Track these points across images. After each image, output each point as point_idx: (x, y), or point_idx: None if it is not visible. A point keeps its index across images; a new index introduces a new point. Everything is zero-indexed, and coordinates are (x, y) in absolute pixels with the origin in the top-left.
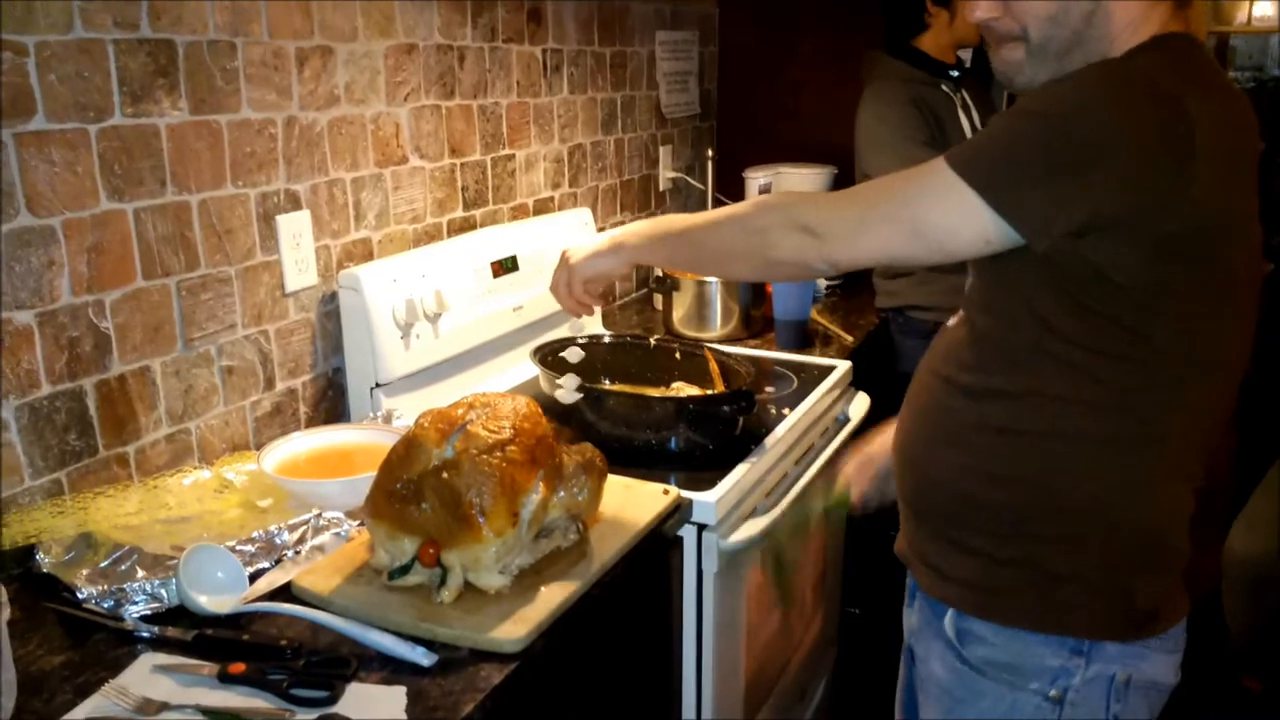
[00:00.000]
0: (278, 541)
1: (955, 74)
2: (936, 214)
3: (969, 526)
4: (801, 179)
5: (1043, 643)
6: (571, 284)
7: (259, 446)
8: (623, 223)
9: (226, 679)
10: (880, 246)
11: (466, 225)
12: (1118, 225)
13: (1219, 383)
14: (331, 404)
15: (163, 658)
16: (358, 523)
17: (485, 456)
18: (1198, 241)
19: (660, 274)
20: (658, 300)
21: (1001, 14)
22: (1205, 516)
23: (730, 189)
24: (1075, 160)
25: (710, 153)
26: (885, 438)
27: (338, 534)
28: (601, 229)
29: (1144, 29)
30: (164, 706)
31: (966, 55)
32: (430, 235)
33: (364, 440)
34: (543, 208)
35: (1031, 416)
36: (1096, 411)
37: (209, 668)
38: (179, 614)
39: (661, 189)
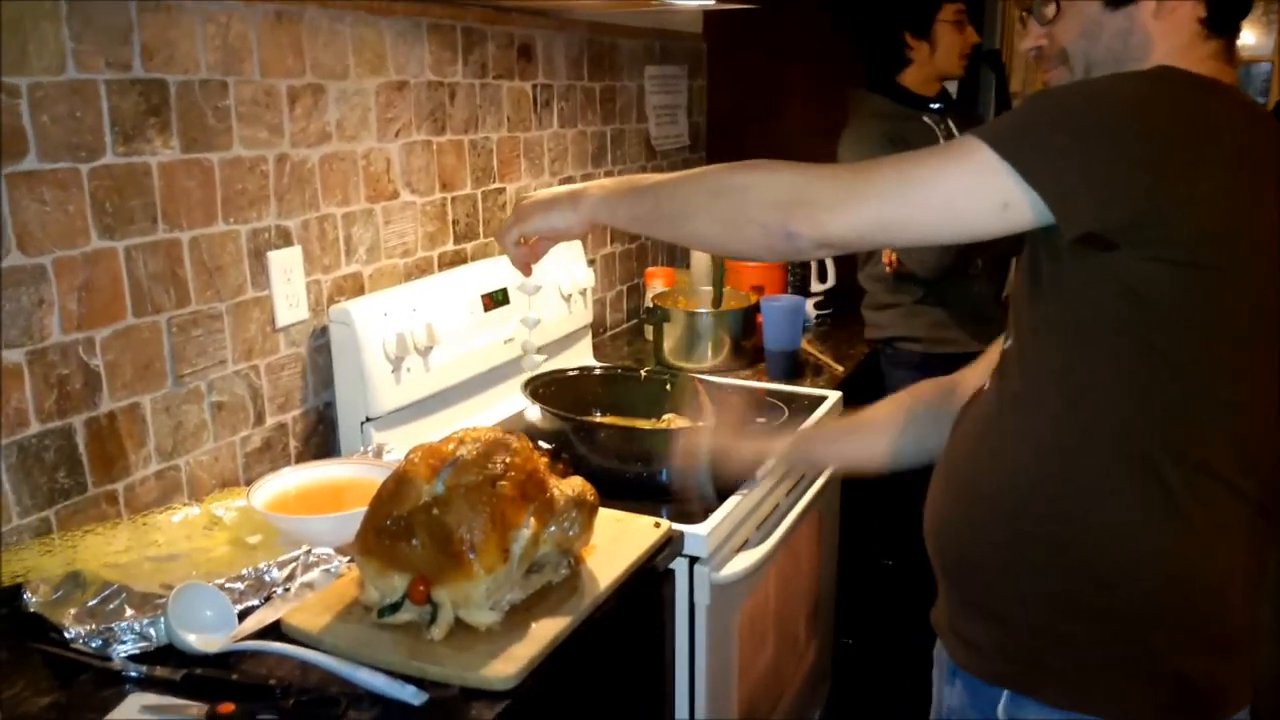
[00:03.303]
0: (267, 579)
1: (936, 105)
2: (947, 177)
3: (1002, 594)
4: None
5: None
6: (518, 234)
7: (249, 482)
8: (613, 255)
9: (215, 719)
10: (878, 214)
11: (457, 259)
12: (1139, 222)
13: (1264, 417)
14: (322, 439)
15: (151, 698)
16: (348, 559)
17: (476, 492)
18: (1220, 249)
19: (651, 305)
20: (648, 331)
21: (1046, 40)
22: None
23: None
24: (1098, 127)
25: None
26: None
27: (327, 571)
28: (591, 261)
29: (1185, 62)
30: None
31: (953, 88)
32: (421, 269)
33: (354, 475)
34: None
35: (1067, 471)
36: (1135, 460)
37: (198, 708)
38: (167, 653)
39: None
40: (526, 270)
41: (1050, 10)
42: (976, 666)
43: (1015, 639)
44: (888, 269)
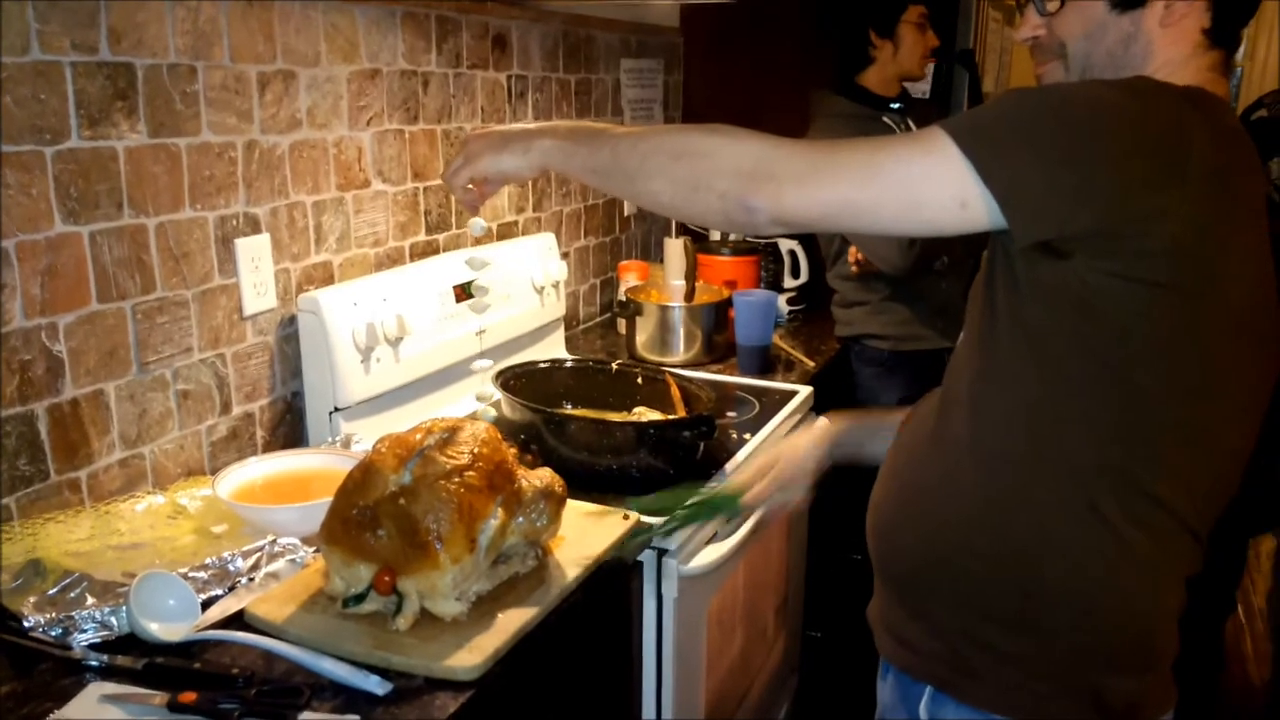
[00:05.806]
0: (231, 568)
1: (897, 105)
2: (911, 165)
3: (934, 597)
4: None
5: None
6: (468, 177)
7: (214, 471)
8: (586, 247)
9: (177, 708)
10: (839, 195)
11: (429, 249)
12: (1096, 235)
13: (1222, 451)
14: (290, 428)
15: (111, 687)
16: (313, 549)
17: (443, 482)
18: (1182, 269)
19: (624, 298)
20: (621, 325)
21: (1044, 31)
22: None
23: None
24: (1064, 135)
25: None
26: (797, 442)
27: (293, 561)
28: (565, 254)
29: (1183, 73)
30: None
31: (922, 89)
32: (392, 259)
33: (321, 465)
34: (506, 232)
35: (1008, 481)
36: (1077, 477)
37: (159, 697)
38: (129, 642)
39: (626, 214)
40: (474, 210)
41: (1054, 4)
42: (905, 663)
43: (943, 640)
44: (854, 268)
